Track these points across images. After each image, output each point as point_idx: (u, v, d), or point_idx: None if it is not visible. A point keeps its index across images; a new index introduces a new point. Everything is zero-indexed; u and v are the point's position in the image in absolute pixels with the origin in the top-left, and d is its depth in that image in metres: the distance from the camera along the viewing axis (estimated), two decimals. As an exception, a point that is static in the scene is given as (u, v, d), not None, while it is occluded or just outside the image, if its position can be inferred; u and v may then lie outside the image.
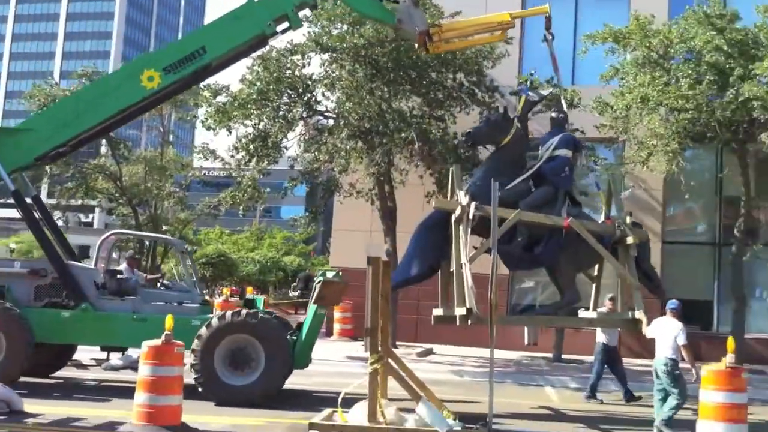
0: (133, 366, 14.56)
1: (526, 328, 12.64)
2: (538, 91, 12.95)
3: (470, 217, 10.71)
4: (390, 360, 9.93)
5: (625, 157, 20.88)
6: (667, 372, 10.68)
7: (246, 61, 18.62)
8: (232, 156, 20.45)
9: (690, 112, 17.91)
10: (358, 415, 9.65)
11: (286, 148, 20.35)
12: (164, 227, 34.09)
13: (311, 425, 9.56)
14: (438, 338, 22.02)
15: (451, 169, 12.10)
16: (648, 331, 11.09)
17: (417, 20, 13.15)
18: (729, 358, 9.43)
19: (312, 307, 12.35)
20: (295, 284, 43.49)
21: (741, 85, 17.25)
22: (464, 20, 13.98)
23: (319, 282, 12.26)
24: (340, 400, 9.78)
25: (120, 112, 12.82)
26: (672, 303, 11.13)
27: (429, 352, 20.83)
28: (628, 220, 11.50)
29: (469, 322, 10.68)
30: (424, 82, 18.89)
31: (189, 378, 12.21)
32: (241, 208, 21.04)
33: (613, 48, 19.41)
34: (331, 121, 20.10)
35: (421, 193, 20.27)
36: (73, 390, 12.80)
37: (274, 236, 57.41)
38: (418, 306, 22.72)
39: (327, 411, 10.19)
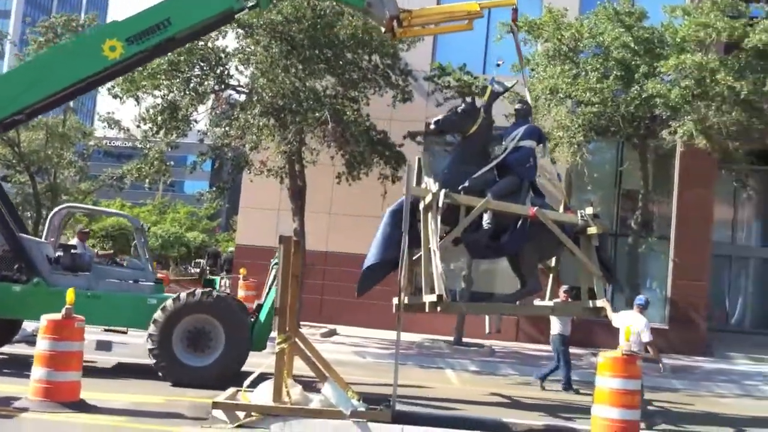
0: (27, 340, 14.08)
1: (487, 317, 12.78)
2: (503, 83, 13.05)
3: (440, 204, 10.75)
4: (297, 340, 9.91)
5: (532, 147, 21.31)
6: None
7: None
8: (138, 127, 19.90)
9: (596, 105, 18.44)
10: (263, 394, 9.60)
11: (196, 122, 19.96)
12: (64, 197, 32.95)
13: (215, 404, 9.46)
14: (341, 319, 22.11)
15: (417, 156, 12.10)
16: (614, 320, 11.46)
17: (387, 4, 13.01)
18: (625, 346, 9.81)
19: (273, 290, 12.20)
20: (198, 261, 42.83)
21: (645, 82, 17.86)
22: (433, 7, 13.99)
23: (275, 264, 12.12)
24: (249, 381, 9.72)
25: (79, 82, 12.36)
26: (639, 299, 11.59)
27: (332, 332, 20.89)
28: (589, 210, 11.74)
29: (439, 309, 10.70)
30: (340, 62, 18.78)
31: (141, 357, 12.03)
32: (147, 181, 20.54)
33: (525, 38, 19.75)
34: (243, 97, 19.80)
35: (331, 173, 20.23)
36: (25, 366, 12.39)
37: (178, 211, 56.25)
38: (322, 286, 22.76)
39: (231, 390, 10.10)
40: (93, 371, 11.79)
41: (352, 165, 19.18)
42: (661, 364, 10.97)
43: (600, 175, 23.21)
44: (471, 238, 11.37)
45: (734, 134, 18.33)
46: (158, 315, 11.74)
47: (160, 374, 11.64)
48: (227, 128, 19.43)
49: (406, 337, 19.00)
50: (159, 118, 18.88)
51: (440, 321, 21.18)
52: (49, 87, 12.21)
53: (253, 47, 18.89)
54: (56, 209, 14.53)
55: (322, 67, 18.53)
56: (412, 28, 13.52)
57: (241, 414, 9.39)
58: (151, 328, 11.71)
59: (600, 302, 11.36)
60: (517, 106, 12.63)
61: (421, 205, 11.03)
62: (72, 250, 13.34)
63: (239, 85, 19.78)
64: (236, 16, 17.49)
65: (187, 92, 18.91)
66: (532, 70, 19.67)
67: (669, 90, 17.43)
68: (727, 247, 25.06)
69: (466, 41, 24.37)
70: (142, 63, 14.31)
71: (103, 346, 14.92)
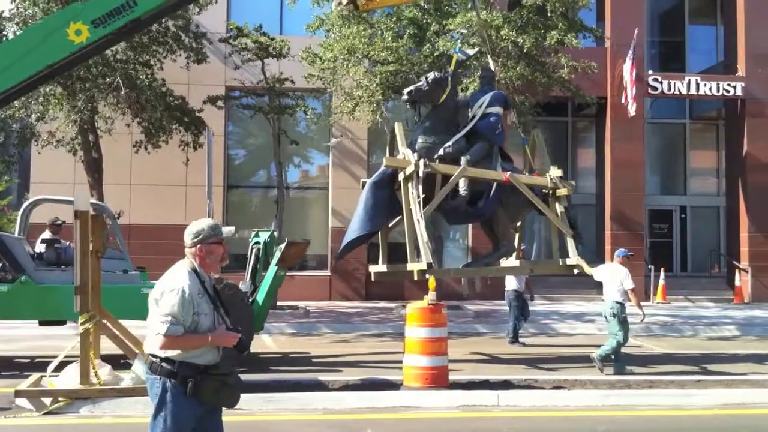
0: None
1: (463, 279, 12.96)
2: (465, 51, 13.11)
3: (420, 174, 10.76)
4: (102, 318, 9.55)
5: (333, 108, 21.57)
6: (614, 314, 11.50)
7: None
8: None
9: (392, 64, 18.86)
10: (69, 377, 9.21)
11: (-27, 93, 18.40)
12: None
13: (17, 392, 8.97)
14: (150, 292, 21.49)
15: (393, 126, 11.96)
16: (596, 274, 11.93)
17: None
18: (430, 296, 10.28)
19: (272, 269, 11.77)
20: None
21: (436, 40, 18.45)
22: None
23: (256, 242, 11.86)
24: (54, 365, 9.28)
25: (47, 68, 11.30)
26: (620, 251, 12.05)
27: (142, 306, 20.26)
28: (557, 172, 11.97)
29: (427, 276, 10.88)
30: (129, 26, 17.90)
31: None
32: None
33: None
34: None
35: (129, 142, 19.48)
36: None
37: (-40, 190, 51.94)
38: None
39: (35, 376, 9.61)
40: None
41: (150, 132, 18.52)
42: (640, 311, 11.62)
43: (400, 132, 23.79)
44: (450, 205, 11.60)
45: (520, 88, 19.39)
46: None
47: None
48: (9, 99, 18.09)
49: (219, 304, 18.76)
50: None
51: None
52: (14, 77, 11.22)
53: (31, 10, 17.64)
54: (28, 202, 13.48)
55: (109, 31, 17.57)
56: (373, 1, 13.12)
57: (47, 400, 8.98)
58: None
59: (573, 260, 11.79)
60: (481, 72, 12.81)
61: (401, 176, 11.12)
62: (56, 245, 12.56)
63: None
64: None
65: (-40, 61, 17.38)
66: (328, 30, 19.77)
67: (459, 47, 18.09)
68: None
69: (261, 1, 24.15)
70: (108, 47, 13.48)
71: None
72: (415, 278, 11.09)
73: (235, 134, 25.40)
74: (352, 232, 11.53)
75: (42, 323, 12.58)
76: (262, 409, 9.17)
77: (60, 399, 8.99)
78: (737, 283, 24.54)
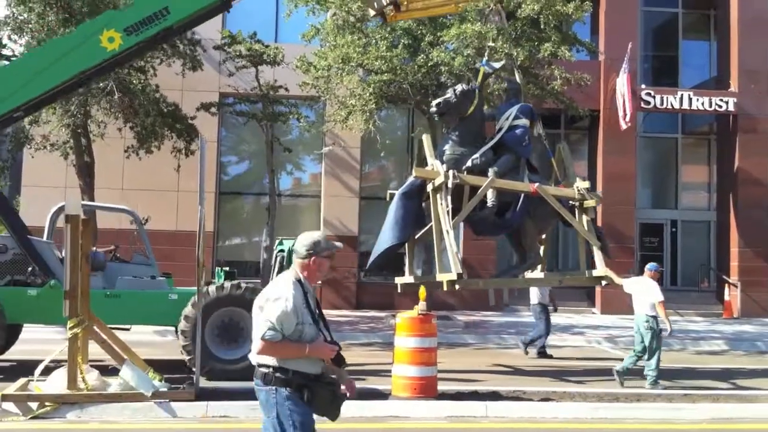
0: None
1: (489, 291, 13.03)
2: (492, 65, 13.19)
3: (449, 185, 10.89)
4: (91, 323, 9.52)
5: (326, 116, 21.60)
6: (648, 328, 11.51)
7: None
8: None
9: (386, 74, 18.89)
10: (57, 382, 9.18)
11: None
12: None
13: (4, 396, 8.93)
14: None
15: (421, 137, 12.06)
16: (626, 286, 11.93)
17: None
18: (421, 306, 10.25)
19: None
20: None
21: (430, 50, 18.50)
22: None
23: (281, 250, 11.95)
24: (40, 368, 9.24)
25: (78, 75, 11.53)
26: (652, 265, 12.04)
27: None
28: (584, 183, 12.01)
29: (457, 286, 11.02)
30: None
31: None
32: None
33: (314, 9, 19.83)
34: (18, 68, 18.44)
35: (121, 147, 19.45)
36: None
37: (-50, 192, 51.70)
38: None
39: (22, 380, 9.57)
40: None
41: (142, 138, 18.51)
42: (667, 324, 11.60)
43: (392, 142, 23.90)
44: (478, 216, 11.69)
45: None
46: (188, 311, 11.20)
47: (194, 370, 10.99)
48: (2, 102, 18.06)
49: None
50: None
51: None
52: (48, 82, 11.41)
53: (26, 15, 17.64)
54: (56, 207, 13.36)
55: (104, 36, 17.59)
56: (407, 12, 13.12)
57: (34, 405, 8.95)
58: (183, 324, 11.21)
59: (601, 271, 11.80)
60: (507, 84, 12.91)
61: (429, 187, 11.23)
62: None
63: (14, 55, 18.42)
64: None
65: (-45, 63, 17.40)
66: (322, 39, 19.80)
67: (452, 58, 18.16)
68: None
69: (256, 9, 24.17)
70: (140, 54, 13.66)
71: None
72: (445, 288, 11.19)
73: (228, 140, 25.39)
74: (383, 243, 11.64)
75: None
76: (249, 417, 9.13)
77: (47, 404, 8.95)
78: (726, 297, 24.60)
